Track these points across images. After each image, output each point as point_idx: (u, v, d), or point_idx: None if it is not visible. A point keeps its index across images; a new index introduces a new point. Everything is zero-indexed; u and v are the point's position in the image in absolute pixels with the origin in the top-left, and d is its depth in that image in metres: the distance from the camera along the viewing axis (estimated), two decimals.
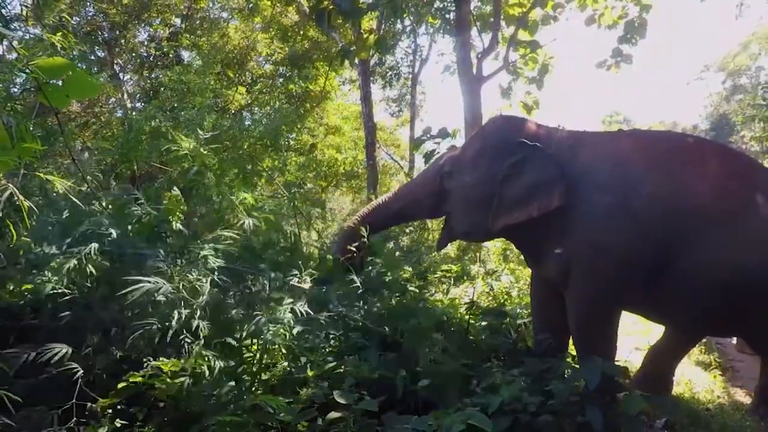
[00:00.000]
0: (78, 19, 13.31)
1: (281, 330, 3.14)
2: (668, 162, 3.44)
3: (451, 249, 8.11)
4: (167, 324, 2.85)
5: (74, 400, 2.62)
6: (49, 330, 2.88)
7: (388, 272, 4.51)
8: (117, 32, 14.03)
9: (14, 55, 3.26)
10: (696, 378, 4.64)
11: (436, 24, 13.89)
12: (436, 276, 5.64)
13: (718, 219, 3.21)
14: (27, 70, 2.43)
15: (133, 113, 10.74)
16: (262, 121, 10.58)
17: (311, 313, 3.42)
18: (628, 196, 3.34)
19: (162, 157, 5.57)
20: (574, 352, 3.94)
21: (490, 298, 5.57)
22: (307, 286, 3.77)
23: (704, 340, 5.22)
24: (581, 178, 3.51)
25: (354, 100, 18.30)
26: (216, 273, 3.25)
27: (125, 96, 13.80)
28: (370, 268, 4.54)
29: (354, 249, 4.26)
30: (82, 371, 2.69)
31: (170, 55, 14.19)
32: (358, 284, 4.03)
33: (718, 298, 3.23)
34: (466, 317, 4.39)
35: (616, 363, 3.41)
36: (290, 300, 3.38)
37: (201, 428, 2.67)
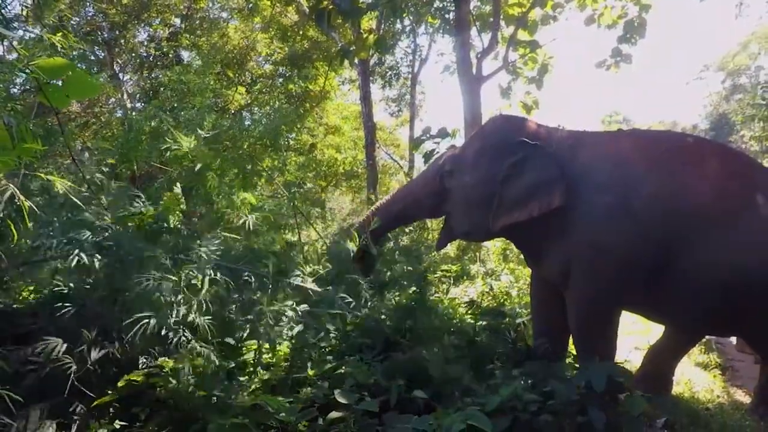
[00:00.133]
0: (78, 20, 13.31)
1: (284, 329, 3.15)
2: (668, 162, 3.44)
3: (451, 249, 8.11)
4: (167, 318, 2.86)
5: (65, 395, 2.63)
6: (47, 332, 2.87)
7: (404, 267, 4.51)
8: (117, 32, 14.02)
9: (14, 55, 3.25)
10: (696, 377, 4.64)
11: (436, 24, 13.90)
12: (435, 276, 5.64)
13: (718, 219, 3.21)
14: (27, 71, 2.43)
15: (133, 113, 10.73)
16: (261, 121, 10.55)
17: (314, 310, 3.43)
18: (628, 196, 3.34)
19: (162, 157, 5.57)
20: (574, 352, 3.94)
21: (490, 297, 5.56)
22: (310, 285, 3.77)
23: (704, 340, 5.23)
24: (581, 178, 3.51)
25: (353, 100, 18.30)
26: (216, 272, 3.25)
27: (125, 96, 13.79)
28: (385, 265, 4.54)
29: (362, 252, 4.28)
30: (75, 366, 2.69)
31: (170, 55, 14.18)
32: (365, 283, 4.03)
33: (718, 298, 3.23)
34: (467, 317, 4.39)
35: (618, 363, 3.41)
36: (292, 300, 3.38)
37: (201, 428, 2.67)
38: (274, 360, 3.51)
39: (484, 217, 3.78)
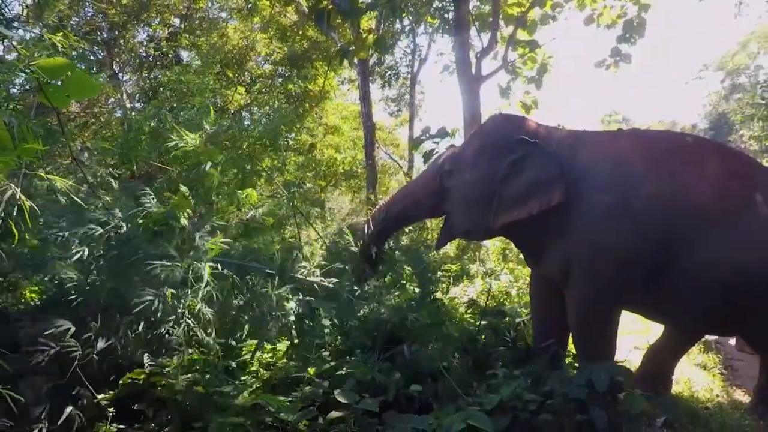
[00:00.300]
0: (77, 20, 13.32)
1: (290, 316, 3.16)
2: (668, 162, 3.44)
3: (450, 248, 8.11)
4: (171, 306, 2.87)
5: (67, 377, 2.64)
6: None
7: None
8: (116, 32, 14.04)
9: (13, 55, 3.26)
10: (695, 377, 4.65)
11: (435, 24, 13.90)
12: (436, 275, 5.64)
13: (718, 219, 3.21)
14: (28, 71, 2.43)
15: (133, 113, 10.75)
16: (261, 120, 10.60)
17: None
18: (627, 195, 3.34)
19: (161, 157, 5.58)
20: (574, 351, 3.95)
21: (490, 297, 5.57)
22: (316, 279, 3.76)
23: (704, 340, 5.23)
24: (581, 177, 3.50)
25: (353, 100, 18.32)
26: (219, 264, 3.27)
27: (124, 96, 13.81)
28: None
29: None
30: (80, 351, 2.70)
31: (169, 55, 14.20)
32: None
33: (718, 298, 3.23)
34: (467, 317, 4.39)
35: (619, 363, 3.41)
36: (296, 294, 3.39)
37: (202, 428, 2.68)
38: (274, 359, 3.51)
39: (483, 216, 3.78)
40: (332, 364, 3.40)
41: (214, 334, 3.16)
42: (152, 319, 2.93)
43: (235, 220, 5.12)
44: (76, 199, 2.98)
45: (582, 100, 76.91)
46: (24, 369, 2.59)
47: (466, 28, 9.52)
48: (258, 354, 3.48)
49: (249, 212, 4.05)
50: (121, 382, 2.81)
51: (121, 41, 14.28)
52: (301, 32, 14.84)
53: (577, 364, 3.73)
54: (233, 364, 3.36)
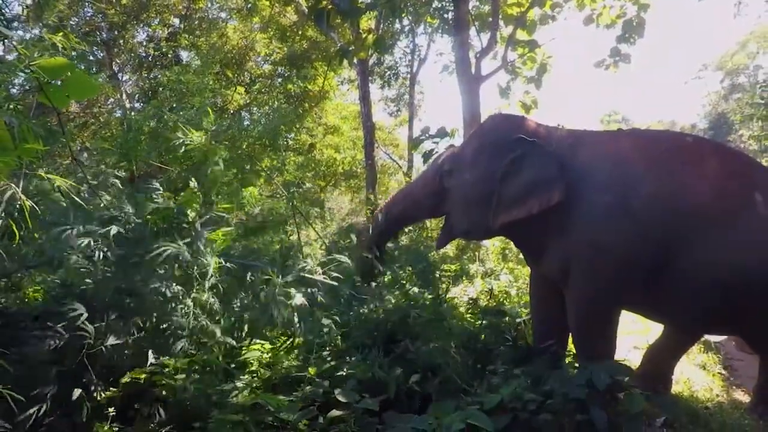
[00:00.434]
0: (76, 20, 13.31)
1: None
2: (668, 161, 3.44)
3: (450, 248, 8.11)
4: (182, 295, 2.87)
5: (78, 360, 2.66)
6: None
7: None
8: (116, 33, 14.03)
9: (13, 55, 3.26)
10: (695, 377, 4.65)
11: (435, 24, 13.88)
12: (436, 275, 5.64)
13: (717, 219, 3.21)
14: (28, 71, 2.43)
15: (132, 113, 10.74)
16: (260, 121, 10.58)
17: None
18: (627, 195, 3.35)
19: (161, 157, 5.58)
20: (574, 351, 3.95)
21: (489, 297, 5.57)
22: (320, 277, 3.76)
23: (703, 340, 5.23)
24: (581, 177, 3.51)
25: (352, 100, 18.31)
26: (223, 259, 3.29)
27: (124, 96, 13.81)
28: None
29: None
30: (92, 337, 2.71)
31: (169, 56, 14.20)
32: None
33: (718, 297, 3.24)
34: (467, 316, 4.40)
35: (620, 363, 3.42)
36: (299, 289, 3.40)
37: (202, 427, 2.68)
38: (274, 359, 3.51)
39: (483, 216, 3.78)
40: (332, 363, 3.40)
41: (222, 322, 3.18)
42: (159, 312, 2.95)
43: (234, 220, 5.12)
44: (77, 199, 2.98)
45: (581, 100, 77.18)
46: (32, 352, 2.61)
47: (465, 28, 9.51)
48: (258, 354, 3.48)
49: (251, 211, 4.05)
50: (123, 380, 2.81)
51: (121, 41, 14.27)
52: (300, 32, 14.83)
53: (577, 364, 3.73)
54: (233, 364, 3.36)
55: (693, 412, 3.78)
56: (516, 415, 2.78)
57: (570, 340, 3.96)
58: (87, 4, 13.25)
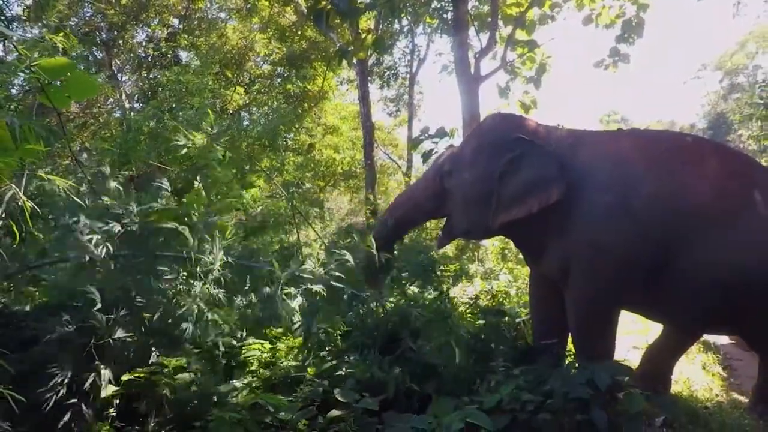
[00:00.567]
0: (76, 20, 13.32)
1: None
2: (668, 161, 3.45)
3: (450, 248, 8.12)
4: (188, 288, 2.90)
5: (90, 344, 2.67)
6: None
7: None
8: (115, 33, 14.04)
9: (13, 55, 3.26)
10: (694, 376, 4.65)
11: (434, 24, 13.87)
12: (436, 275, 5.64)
13: (717, 219, 3.22)
14: (29, 71, 2.43)
15: (132, 114, 10.75)
16: (260, 121, 10.61)
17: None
18: (627, 195, 3.35)
19: (161, 158, 5.58)
20: (573, 351, 3.95)
21: (489, 297, 5.57)
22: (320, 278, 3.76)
23: (703, 340, 5.24)
24: (581, 177, 3.50)
25: (352, 100, 18.32)
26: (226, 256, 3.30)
27: (123, 96, 13.81)
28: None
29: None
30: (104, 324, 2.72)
31: (168, 56, 14.21)
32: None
33: (718, 297, 3.24)
34: (467, 316, 4.40)
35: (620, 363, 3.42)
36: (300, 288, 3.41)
37: (202, 427, 2.69)
38: (274, 359, 3.52)
39: (482, 215, 3.77)
40: (332, 363, 3.40)
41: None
42: (166, 308, 2.96)
43: (234, 220, 5.12)
44: (77, 199, 2.98)
45: (581, 100, 77.05)
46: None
47: (464, 28, 9.51)
48: (258, 354, 3.48)
49: (251, 212, 4.05)
50: (123, 378, 2.81)
51: (120, 42, 14.28)
52: (299, 32, 14.85)
53: (577, 364, 3.73)
54: (233, 363, 3.36)
55: (692, 412, 3.78)
56: (515, 414, 2.78)
57: (570, 340, 3.96)
58: (87, 4, 13.26)
